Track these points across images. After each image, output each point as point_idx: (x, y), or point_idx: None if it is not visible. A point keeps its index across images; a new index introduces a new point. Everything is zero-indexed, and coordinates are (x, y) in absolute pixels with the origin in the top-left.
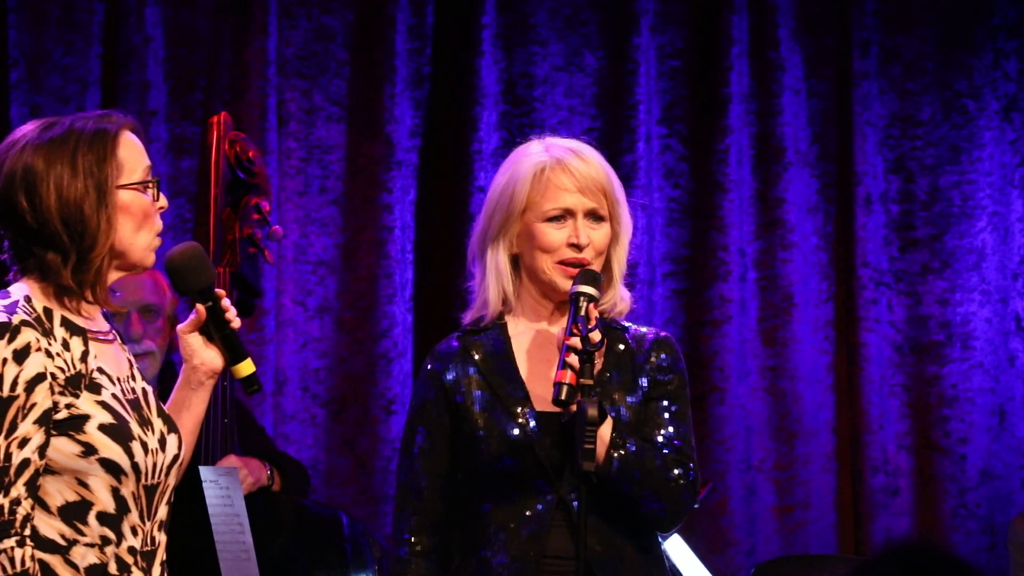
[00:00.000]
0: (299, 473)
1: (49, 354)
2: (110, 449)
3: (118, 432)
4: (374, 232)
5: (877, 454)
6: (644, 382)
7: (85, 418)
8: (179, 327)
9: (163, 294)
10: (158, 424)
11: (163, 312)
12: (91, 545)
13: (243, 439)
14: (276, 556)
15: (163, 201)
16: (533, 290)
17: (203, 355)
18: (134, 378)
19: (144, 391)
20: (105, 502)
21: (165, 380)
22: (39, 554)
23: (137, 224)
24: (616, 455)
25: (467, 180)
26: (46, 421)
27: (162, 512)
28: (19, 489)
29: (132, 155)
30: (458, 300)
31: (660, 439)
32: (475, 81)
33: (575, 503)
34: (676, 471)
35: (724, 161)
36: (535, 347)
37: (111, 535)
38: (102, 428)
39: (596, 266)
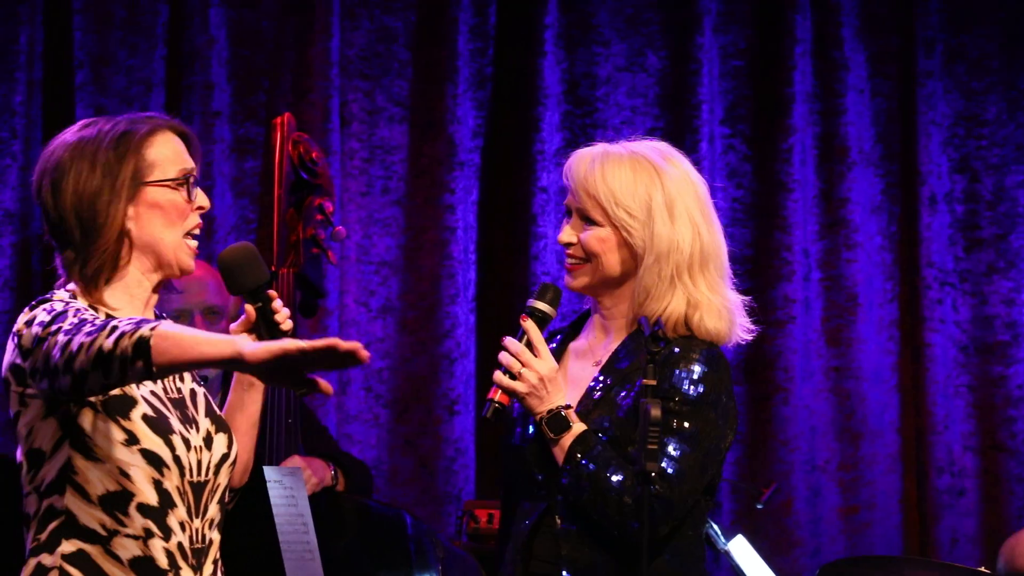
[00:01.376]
0: (362, 473)
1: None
2: (151, 440)
3: (158, 424)
4: (436, 232)
5: (942, 455)
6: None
7: (133, 403)
8: (231, 326)
9: (226, 295)
10: (204, 423)
11: (226, 313)
12: (134, 537)
13: (307, 439)
14: (340, 556)
15: (202, 200)
16: None
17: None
18: (181, 379)
19: (192, 392)
20: (147, 494)
21: (229, 380)
22: (79, 543)
23: (166, 219)
24: (568, 468)
25: (529, 180)
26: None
27: (213, 510)
28: (86, 313)
29: (166, 154)
30: (520, 300)
31: (634, 456)
32: (537, 81)
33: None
34: (630, 495)
35: (788, 161)
36: (582, 352)
37: (155, 528)
38: (145, 418)
39: (603, 268)
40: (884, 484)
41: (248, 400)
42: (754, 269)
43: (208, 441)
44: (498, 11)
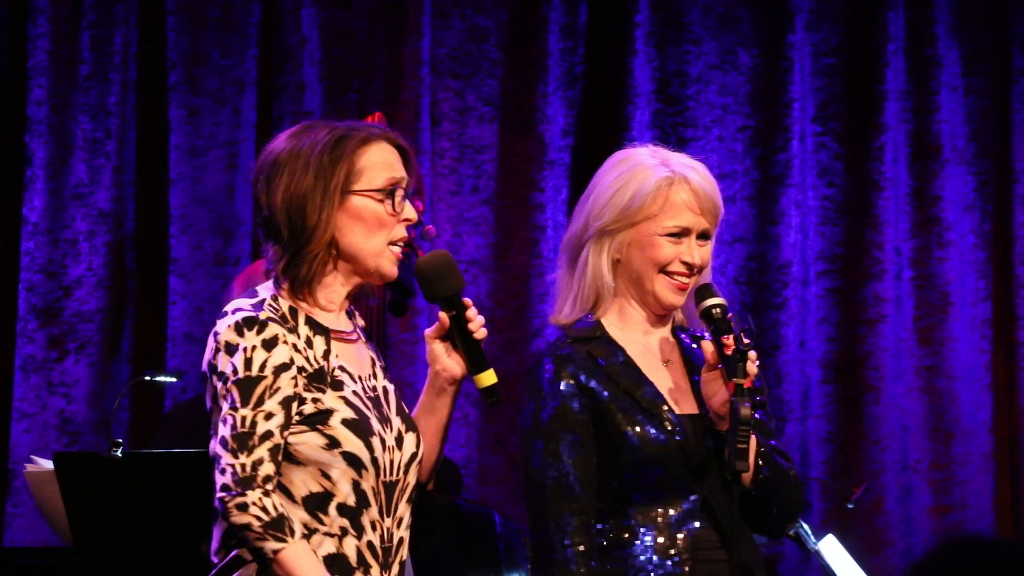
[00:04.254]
0: (452, 472)
1: (296, 348)
2: (352, 443)
3: (359, 427)
4: (526, 231)
5: None
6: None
7: (330, 412)
8: (426, 331)
9: None
10: (396, 422)
11: None
12: (330, 535)
13: None
14: (430, 555)
15: (409, 212)
16: (632, 297)
17: (444, 362)
18: (375, 376)
19: (384, 389)
20: (346, 494)
21: None
22: None
23: (367, 229)
24: (762, 459)
25: None
26: (288, 405)
27: (402, 510)
28: (262, 452)
29: (376, 163)
30: None
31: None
32: (628, 80)
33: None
34: (794, 477)
35: (879, 159)
36: (643, 354)
37: (350, 527)
38: (345, 422)
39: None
40: (977, 484)
41: (439, 404)
42: (845, 267)
43: (399, 440)
44: (589, 10)
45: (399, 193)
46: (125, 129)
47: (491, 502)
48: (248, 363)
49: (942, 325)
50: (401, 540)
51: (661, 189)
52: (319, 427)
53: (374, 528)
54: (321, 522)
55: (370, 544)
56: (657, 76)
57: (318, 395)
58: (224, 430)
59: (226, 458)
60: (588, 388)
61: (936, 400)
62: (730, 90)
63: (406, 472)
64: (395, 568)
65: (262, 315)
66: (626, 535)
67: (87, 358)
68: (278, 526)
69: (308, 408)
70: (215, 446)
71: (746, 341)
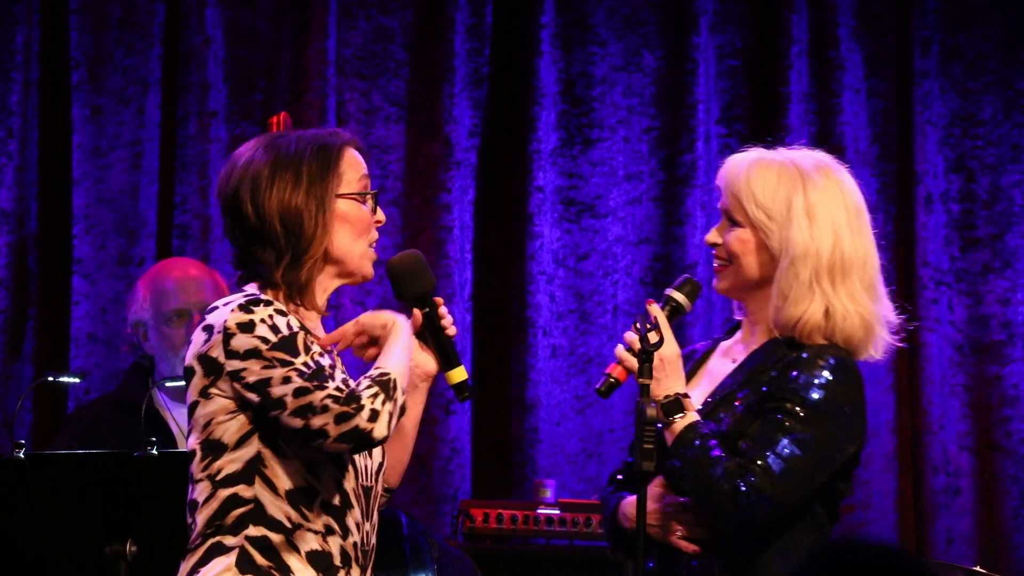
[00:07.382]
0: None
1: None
2: None
3: None
4: (433, 232)
5: (938, 454)
6: (763, 391)
7: None
8: None
9: (222, 295)
10: None
11: None
12: (315, 532)
13: None
14: None
15: (380, 215)
16: None
17: (417, 358)
18: None
19: None
20: (330, 493)
21: None
22: (264, 531)
23: (355, 232)
24: (677, 452)
25: (525, 180)
26: (322, 355)
27: (376, 516)
28: (339, 376)
29: (353, 168)
30: (516, 300)
31: (743, 449)
32: (534, 81)
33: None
34: (728, 483)
35: None
36: (720, 352)
37: (335, 526)
38: None
39: (743, 270)
40: (880, 484)
41: (411, 402)
42: None
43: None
44: (494, 11)
45: (374, 195)
46: (27, 129)
47: (397, 503)
48: (274, 328)
49: None
50: (374, 546)
51: None
52: None
53: (358, 530)
54: (306, 518)
55: (355, 545)
56: (563, 77)
57: None
58: (294, 384)
59: (317, 398)
60: None
61: None
62: (635, 91)
63: (376, 479)
64: (370, 572)
65: (264, 297)
66: None
67: None
68: (383, 387)
69: None
70: (291, 414)
71: (652, 341)
